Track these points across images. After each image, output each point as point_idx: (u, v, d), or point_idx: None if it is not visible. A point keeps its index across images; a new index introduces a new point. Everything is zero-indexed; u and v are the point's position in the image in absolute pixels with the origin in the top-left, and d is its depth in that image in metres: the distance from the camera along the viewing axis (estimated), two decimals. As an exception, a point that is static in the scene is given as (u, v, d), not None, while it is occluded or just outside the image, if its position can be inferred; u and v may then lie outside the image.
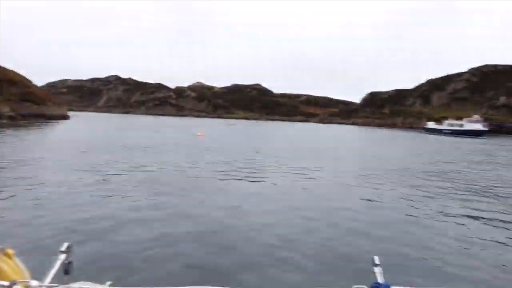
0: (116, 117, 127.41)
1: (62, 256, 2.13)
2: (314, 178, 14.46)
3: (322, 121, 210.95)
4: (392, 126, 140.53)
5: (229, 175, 14.28)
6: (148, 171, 14.26)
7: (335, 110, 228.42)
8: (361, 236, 7.34)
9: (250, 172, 15.15)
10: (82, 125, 54.01)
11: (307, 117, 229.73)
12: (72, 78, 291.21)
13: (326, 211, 9.35)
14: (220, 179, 13.22)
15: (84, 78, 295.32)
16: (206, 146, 26.75)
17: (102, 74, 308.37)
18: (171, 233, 7.10)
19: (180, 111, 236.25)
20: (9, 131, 31.40)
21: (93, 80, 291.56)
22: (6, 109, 49.65)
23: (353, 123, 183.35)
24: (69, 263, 2.04)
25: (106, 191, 10.26)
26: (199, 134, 38.99)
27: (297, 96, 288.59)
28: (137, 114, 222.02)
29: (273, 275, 5.49)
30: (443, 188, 13.11)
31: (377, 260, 2.73)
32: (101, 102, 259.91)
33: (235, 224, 7.95)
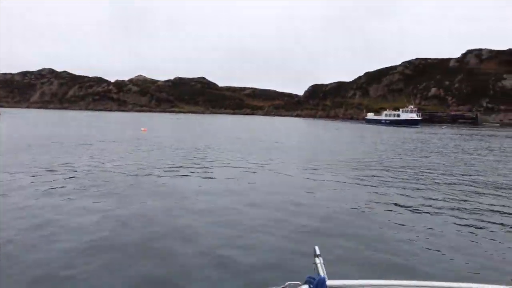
0: (51, 113, 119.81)
1: None
2: (259, 172, 14.46)
3: (268, 113, 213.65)
4: (335, 117, 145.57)
5: (171, 170, 13.86)
6: (82, 170, 13.43)
7: (281, 102, 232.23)
8: (302, 229, 7.38)
9: (193, 167, 14.82)
10: (12, 123, 50.14)
11: (253, 110, 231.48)
12: (0, 71, 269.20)
13: (271, 205, 9.31)
14: (162, 176, 12.78)
15: (13, 71, 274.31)
16: (151, 141, 25.90)
17: (34, 67, 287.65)
18: (108, 241, 6.66)
19: (122, 106, 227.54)
20: None
21: (24, 73, 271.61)
22: None
23: (297, 115, 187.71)
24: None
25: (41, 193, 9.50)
26: (142, 129, 37.81)
27: (242, 89, 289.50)
28: (75, 109, 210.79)
29: (208, 277, 5.29)
30: (387, 177, 13.65)
31: (317, 250, 2.69)
32: (34, 98, 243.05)
33: (175, 223, 7.64)
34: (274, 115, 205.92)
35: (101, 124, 51.04)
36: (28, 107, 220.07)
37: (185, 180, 12.09)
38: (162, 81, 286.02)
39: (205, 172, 13.63)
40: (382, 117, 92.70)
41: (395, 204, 9.48)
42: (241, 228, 7.33)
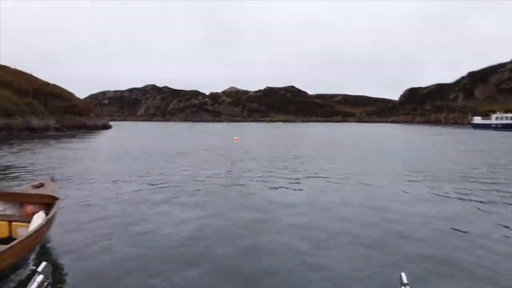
0: (155, 125, 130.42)
1: (39, 278, 2.06)
2: (351, 182, 13.49)
3: (360, 120, 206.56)
4: (435, 122, 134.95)
5: (262, 180, 13.60)
6: (175, 178, 13.83)
7: (373, 108, 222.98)
8: (390, 251, 6.40)
9: (283, 177, 14.39)
10: (124, 133, 55.30)
11: (345, 117, 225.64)
12: (112, 89, 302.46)
13: (360, 222, 8.40)
14: (251, 185, 12.56)
15: (123, 88, 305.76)
16: (243, 149, 26.28)
17: (140, 84, 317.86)
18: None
19: (216, 116, 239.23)
20: (57, 142, 32.40)
21: (131, 90, 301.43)
22: (52, 121, 51.71)
23: (392, 121, 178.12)
24: (47, 285, 1.99)
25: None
26: (235, 138, 38.85)
27: (333, 96, 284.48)
28: (175, 121, 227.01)
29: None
30: (503, 193, 11.70)
31: (404, 278, 2.21)
32: (140, 111, 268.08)
33: (258, 238, 7.17)
34: (367, 121, 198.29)
35: (198, 135, 53.76)
36: (135, 120, 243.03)
37: (274, 191, 11.68)
38: (252, 92, 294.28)
39: (295, 183, 13.09)
40: (493, 120, 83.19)
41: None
42: (322, 247, 6.64)
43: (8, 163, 17.17)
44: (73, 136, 43.49)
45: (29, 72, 60.11)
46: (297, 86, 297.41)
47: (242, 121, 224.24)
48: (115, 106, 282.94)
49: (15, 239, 5.50)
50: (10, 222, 6.25)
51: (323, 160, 19.46)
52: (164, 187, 11.86)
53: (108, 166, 16.76)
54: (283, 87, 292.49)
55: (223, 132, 62.46)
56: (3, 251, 4.72)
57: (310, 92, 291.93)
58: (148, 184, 12.33)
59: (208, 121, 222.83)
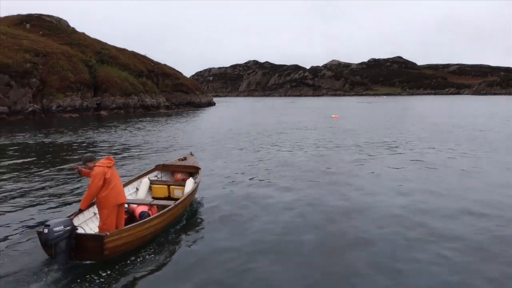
0: (256, 100, 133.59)
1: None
2: (455, 168, 11.87)
3: (478, 92, 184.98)
4: None
5: (359, 163, 12.75)
6: (274, 158, 13.68)
7: (496, 78, 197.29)
8: (488, 258, 5.32)
9: (381, 158, 13.31)
10: (226, 111, 57.56)
11: (459, 89, 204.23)
12: (216, 66, 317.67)
13: (455, 215, 7.25)
14: (346, 170, 11.82)
15: (226, 65, 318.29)
16: (341, 129, 25.25)
17: (242, 60, 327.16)
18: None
19: (317, 90, 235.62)
20: (168, 118, 35.13)
21: (234, 66, 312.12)
22: (162, 99, 56.11)
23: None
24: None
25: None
26: (333, 116, 37.61)
27: (446, 66, 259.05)
28: (275, 96, 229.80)
29: None
30: None
31: None
32: (242, 87, 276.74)
33: (352, 227, 6.67)
34: (486, 93, 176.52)
35: (296, 111, 53.44)
36: (237, 95, 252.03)
37: (371, 175, 10.85)
38: (355, 64, 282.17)
39: (394, 167, 12.00)
40: None
41: None
42: (408, 242, 6.09)
43: (142, 141, 19.00)
44: (181, 114, 46.57)
45: (144, 53, 65.64)
46: (405, 56, 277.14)
47: (343, 95, 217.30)
48: (219, 82, 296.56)
49: (172, 198, 7.98)
50: (168, 185, 8.44)
51: (423, 142, 17.64)
52: (262, 172, 11.83)
53: (212, 147, 17.42)
54: (388, 58, 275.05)
55: (322, 108, 61.12)
56: (177, 204, 6.80)
57: (420, 62, 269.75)
58: (249, 168, 12.44)
59: (308, 96, 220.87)
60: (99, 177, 5.74)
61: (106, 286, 4.84)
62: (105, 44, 57.55)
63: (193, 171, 9.11)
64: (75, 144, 18.50)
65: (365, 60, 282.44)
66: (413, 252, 5.87)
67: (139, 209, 7.07)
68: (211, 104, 73.81)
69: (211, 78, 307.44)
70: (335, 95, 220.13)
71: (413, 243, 6.19)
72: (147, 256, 5.68)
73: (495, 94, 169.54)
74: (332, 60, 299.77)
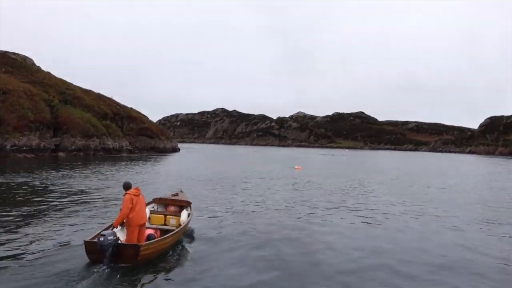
0: (222, 148, 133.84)
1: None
2: (423, 226, 12.13)
3: (434, 149, 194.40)
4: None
5: (324, 219, 12.76)
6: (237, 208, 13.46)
7: (450, 137, 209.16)
8: None
9: (359, 211, 13.41)
10: (190, 158, 57.07)
11: (417, 146, 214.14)
12: (184, 112, 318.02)
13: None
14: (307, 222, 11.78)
15: (194, 111, 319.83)
16: (303, 179, 25.47)
17: (210, 107, 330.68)
18: None
19: (282, 141, 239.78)
20: (129, 163, 34.21)
21: (202, 113, 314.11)
22: (125, 143, 55.10)
23: (470, 152, 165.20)
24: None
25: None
26: (296, 167, 38.08)
27: (405, 123, 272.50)
28: (242, 144, 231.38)
29: None
30: None
31: None
32: (209, 134, 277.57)
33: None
34: (442, 151, 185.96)
35: (261, 161, 53.79)
36: (204, 142, 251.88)
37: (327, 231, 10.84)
38: (320, 117, 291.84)
39: (383, 222, 12.09)
40: None
41: None
42: None
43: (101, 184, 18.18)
44: (143, 159, 45.66)
45: (110, 96, 65.13)
46: (366, 112, 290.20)
47: (308, 146, 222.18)
48: (186, 128, 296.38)
49: (168, 226, 9.82)
50: (164, 215, 10.25)
51: (388, 196, 18.05)
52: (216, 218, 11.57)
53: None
54: (351, 113, 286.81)
55: (287, 158, 61.95)
56: (177, 231, 8.74)
57: (380, 118, 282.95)
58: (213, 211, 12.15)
59: (274, 145, 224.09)
60: (128, 202, 7.63)
61: (138, 283, 6.76)
62: (70, 84, 56.83)
63: (184, 204, 11.08)
64: (29, 186, 17.52)
65: (330, 113, 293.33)
66: None
67: (147, 232, 8.69)
68: (175, 150, 73.17)
69: (178, 123, 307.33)
70: (300, 146, 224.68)
71: None
72: (164, 263, 7.79)
73: (449, 151, 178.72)
74: (298, 112, 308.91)
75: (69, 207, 13.09)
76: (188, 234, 9.90)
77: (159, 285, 6.77)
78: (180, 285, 6.75)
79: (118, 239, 7.20)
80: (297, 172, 32.94)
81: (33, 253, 7.93)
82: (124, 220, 7.77)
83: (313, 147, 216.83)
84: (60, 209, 12.69)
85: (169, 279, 7.03)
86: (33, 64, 57.30)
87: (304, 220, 12.65)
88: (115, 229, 7.81)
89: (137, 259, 7.20)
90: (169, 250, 8.41)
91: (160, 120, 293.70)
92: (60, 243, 8.76)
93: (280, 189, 20.78)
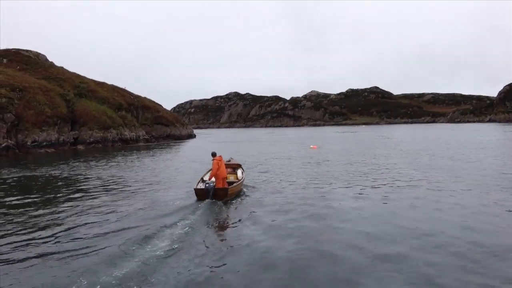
0: (237, 131, 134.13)
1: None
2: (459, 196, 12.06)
3: (452, 120, 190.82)
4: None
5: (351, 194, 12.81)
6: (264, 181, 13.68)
7: (468, 107, 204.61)
8: None
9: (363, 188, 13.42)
10: (208, 143, 57.47)
11: (434, 117, 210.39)
12: (198, 98, 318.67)
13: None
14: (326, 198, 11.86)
15: (208, 97, 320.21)
16: (318, 159, 25.45)
17: (223, 92, 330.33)
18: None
19: (297, 121, 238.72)
20: (147, 152, 34.74)
21: (216, 98, 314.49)
22: (141, 132, 55.76)
23: (490, 120, 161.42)
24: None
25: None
26: (311, 146, 37.97)
27: (421, 95, 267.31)
28: (256, 127, 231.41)
29: None
30: None
31: None
32: (224, 118, 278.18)
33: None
34: (460, 121, 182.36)
35: (276, 142, 53.79)
36: (219, 127, 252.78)
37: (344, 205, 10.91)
38: (334, 95, 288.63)
39: (378, 194, 12.11)
40: None
41: None
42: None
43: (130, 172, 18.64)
44: (161, 147, 46.23)
45: (124, 87, 65.68)
46: (381, 86, 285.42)
47: (323, 124, 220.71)
48: (200, 114, 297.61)
49: (228, 180, 13.82)
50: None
51: (406, 169, 17.91)
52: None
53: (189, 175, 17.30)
54: (366, 89, 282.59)
55: (302, 139, 61.82)
56: (241, 181, 14.06)
57: (396, 92, 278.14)
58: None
59: (289, 126, 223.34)
60: (215, 165, 12.59)
61: (227, 208, 11.55)
62: (84, 78, 57.47)
63: (236, 166, 16.35)
64: (64, 178, 18.04)
65: (343, 90, 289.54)
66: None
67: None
68: (191, 136, 73.70)
69: (192, 110, 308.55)
70: (315, 125, 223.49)
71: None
72: (238, 199, 12.85)
73: (468, 121, 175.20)
74: (312, 91, 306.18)
75: (144, 189, 13.45)
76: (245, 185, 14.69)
77: (238, 209, 11.38)
78: (246, 211, 11.14)
79: (214, 185, 12.28)
80: (312, 151, 32.90)
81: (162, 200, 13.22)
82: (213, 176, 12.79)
83: (328, 125, 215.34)
84: (140, 190, 13.06)
85: (242, 207, 11.69)
86: (46, 60, 58.02)
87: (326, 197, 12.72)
88: (210, 181, 12.63)
89: (226, 196, 12.28)
90: (239, 194, 13.43)
91: (174, 108, 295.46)
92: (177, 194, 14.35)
93: (294, 168, 20.83)
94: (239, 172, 15.39)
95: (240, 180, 14.02)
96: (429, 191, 13.32)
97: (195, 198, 12.32)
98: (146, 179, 18.12)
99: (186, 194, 13.43)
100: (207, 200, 11.85)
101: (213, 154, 13.19)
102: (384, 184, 14.85)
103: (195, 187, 12.70)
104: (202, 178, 14.10)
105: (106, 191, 14.92)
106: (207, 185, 12.19)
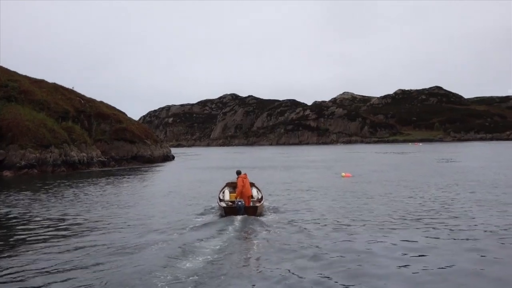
0: (236, 151, 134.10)
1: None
2: None
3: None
4: None
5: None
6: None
7: None
8: None
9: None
10: (188, 169, 57.51)
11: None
12: (178, 103, 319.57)
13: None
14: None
15: (192, 101, 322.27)
16: (354, 191, 25.48)
17: (215, 94, 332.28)
18: None
19: (322, 136, 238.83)
20: (107, 181, 34.73)
21: (204, 103, 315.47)
22: (96, 153, 56.13)
23: None
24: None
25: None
26: (343, 174, 38.02)
27: (504, 99, 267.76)
28: (264, 144, 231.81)
29: None
30: None
31: None
32: (216, 132, 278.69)
33: None
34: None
35: (297, 169, 53.78)
36: (208, 144, 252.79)
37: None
38: (377, 98, 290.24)
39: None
40: None
41: None
42: None
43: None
44: (123, 174, 46.35)
45: (71, 87, 66.49)
46: (446, 87, 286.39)
47: (362, 141, 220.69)
48: (181, 125, 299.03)
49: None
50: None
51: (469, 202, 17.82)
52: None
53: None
54: (423, 89, 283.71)
55: (330, 162, 61.84)
56: (263, 201, 19.70)
57: (468, 95, 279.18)
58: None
59: (311, 143, 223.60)
60: (240, 182, 18.40)
61: (257, 222, 16.50)
62: (15, 74, 58.33)
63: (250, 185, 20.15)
64: None
65: (391, 92, 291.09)
66: None
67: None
68: (168, 158, 74.25)
69: (170, 120, 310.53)
70: (350, 141, 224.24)
71: None
72: (265, 216, 18.17)
73: None
74: (344, 93, 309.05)
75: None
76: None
77: (265, 224, 16.23)
78: (271, 225, 16.02)
79: (244, 204, 17.43)
80: (344, 181, 32.93)
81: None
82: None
83: (368, 142, 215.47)
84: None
85: (268, 223, 16.42)
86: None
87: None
88: (237, 199, 17.82)
89: (255, 213, 17.39)
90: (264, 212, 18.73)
91: (144, 117, 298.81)
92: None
93: (317, 204, 20.88)
94: (254, 190, 20.56)
95: (264, 200, 19.80)
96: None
97: None
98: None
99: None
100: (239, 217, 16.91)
101: (238, 172, 19.39)
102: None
103: (223, 205, 18.13)
104: (219, 197, 19.66)
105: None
106: (239, 203, 17.35)
